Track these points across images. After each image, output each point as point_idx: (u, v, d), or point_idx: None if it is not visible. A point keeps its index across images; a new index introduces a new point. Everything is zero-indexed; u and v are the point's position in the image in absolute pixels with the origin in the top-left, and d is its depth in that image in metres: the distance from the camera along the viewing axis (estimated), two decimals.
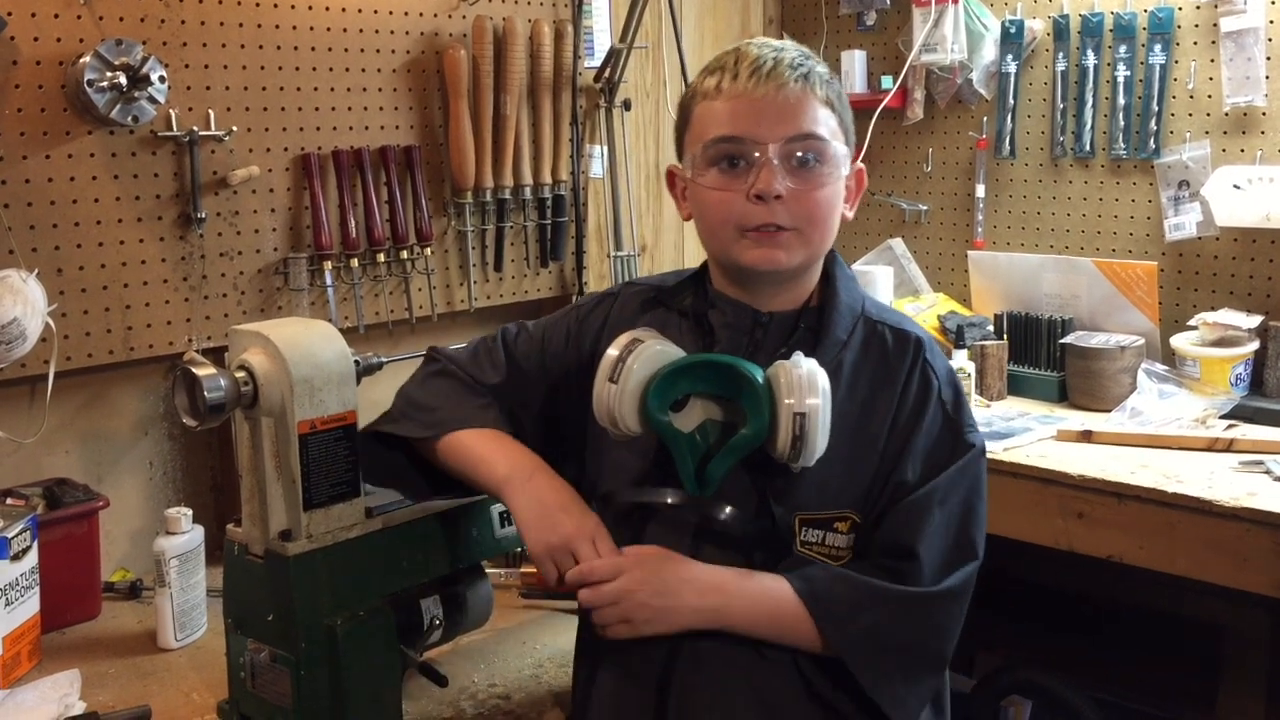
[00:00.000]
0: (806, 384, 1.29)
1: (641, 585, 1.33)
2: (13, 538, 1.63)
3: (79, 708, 1.53)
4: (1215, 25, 2.41)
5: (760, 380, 1.32)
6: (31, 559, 1.68)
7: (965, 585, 1.37)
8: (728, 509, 1.34)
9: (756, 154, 1.34)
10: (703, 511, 1.36)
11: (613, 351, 1.36)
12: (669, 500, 1.36)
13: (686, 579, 1.35)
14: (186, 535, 1.76)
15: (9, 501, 1.78)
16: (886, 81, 2.85)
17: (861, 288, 1.50)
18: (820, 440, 1.30)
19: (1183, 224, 2.50)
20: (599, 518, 1.40)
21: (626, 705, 1.39)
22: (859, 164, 1.45)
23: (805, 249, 1.38)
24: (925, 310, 2.71)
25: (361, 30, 2.25)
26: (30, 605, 1.68)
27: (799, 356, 1.32)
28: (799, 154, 1.35)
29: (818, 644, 1.34)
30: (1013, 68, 2.69)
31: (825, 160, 1.36)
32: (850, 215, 1.45)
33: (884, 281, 2.60)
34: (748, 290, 1.43)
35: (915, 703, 1.37)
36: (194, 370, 1.36)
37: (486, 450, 1.47)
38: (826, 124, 1.37)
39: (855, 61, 2.93)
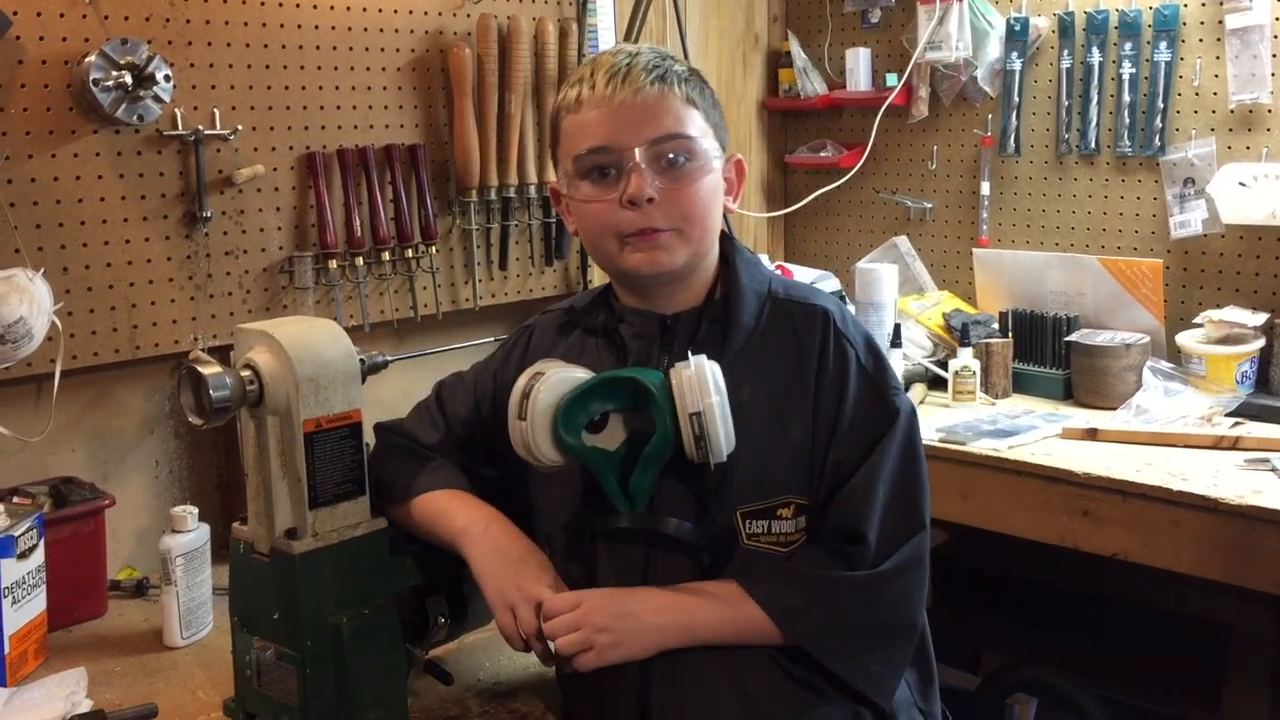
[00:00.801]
0: (697, 384, 1.30)
1: (600, 610, 1.33)
2: (19, 536, 1.63)
3: (85, 706, 1.53)
4: (1221, 22, 2.41)
5: (659, 386, 1.33)
6: (38, 557, 1.68)
7: (915, 557, 1.38)
8: (674, 521, 1.35)
9: (624, 159, 1.35)
10: (651, 528, 1.36)
11: (517, 387, 1.38)
12: (622, 524, 1.37)
13: (643, 599, 1.36)
14: (192, 533, 1.76)
15: (15, 500, 1.78)
16: (891, 79, 2.85)
17: (767, 267, 1.51)
18: (723, 435, 1.30)
19: (1188, 221, 2.49)
20: (552, 566, 1.40)
21: (611, 711, 1.39)
22: (737, 155, 1.46)
23: (687, 247, 1.39)
24: (930, 308, 2.70)
25: (366, 29, 2.25)
26: (37, 603, 1.68)
27: (690, 356, 1.33)
28: (668, 155, 1.37)
29: (781, 640, 1.36)
30: (1018, 65, 2.69)
31: (694, 157, 1.38)
32: (735, 206, 1.47)
33: (888, 279, 2.60)
34: (646, 296, 1.44)
35: (891, 675, 1.39)
36: (199, 369, 1.36)
37: (442, 508, 1.48)
38: (692, 122, 1.38)
39: (860, 59, 2.93)
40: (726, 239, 1.47)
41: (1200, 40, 2.46)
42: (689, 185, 1.37)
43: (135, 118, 1.91)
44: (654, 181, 1.35)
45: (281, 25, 2.13)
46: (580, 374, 1.39)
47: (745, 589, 1.36)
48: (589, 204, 1.39)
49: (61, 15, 1.87)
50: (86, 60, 1.86)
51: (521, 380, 1.39)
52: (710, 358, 1.34)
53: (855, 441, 1.38)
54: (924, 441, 1.46)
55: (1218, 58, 2.43)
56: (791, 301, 1.44)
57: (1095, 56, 2.57)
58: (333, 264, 2.21)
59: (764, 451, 1.37)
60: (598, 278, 2.68)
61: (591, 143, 1.37)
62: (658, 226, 1.36)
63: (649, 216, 1.36)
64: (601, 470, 1.37)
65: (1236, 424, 2.19)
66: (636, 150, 1.35)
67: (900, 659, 1.40)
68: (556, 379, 1.37)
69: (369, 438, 1.52)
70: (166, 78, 1.92)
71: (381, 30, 2.27)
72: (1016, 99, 2.71)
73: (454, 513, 1.46)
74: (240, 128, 2.07)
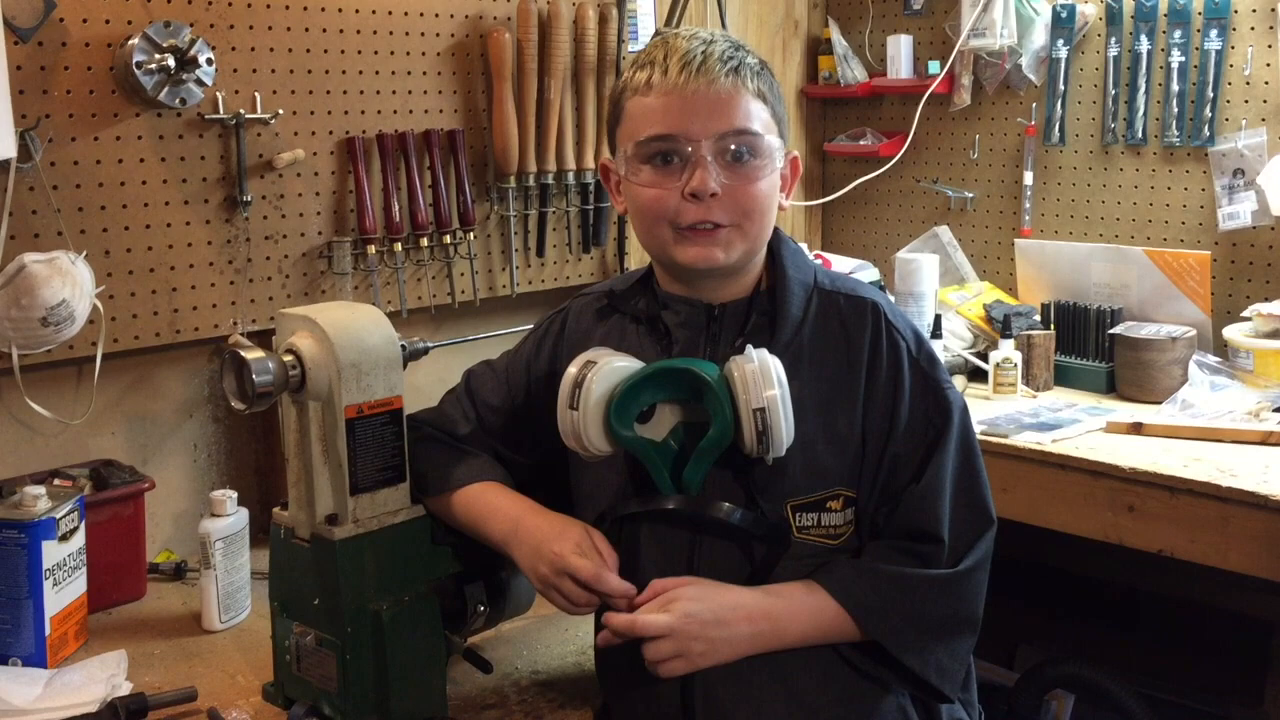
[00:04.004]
0: (760, 377, 1.29)
1: (694, 618, 1.30)
2: (61, 518, 1.64)
3: (125, 688, 1.54)
4: (1273, 10, 2.36)
5: (716, 379, 1.31)
6: (79, 539, 1.69)
7: (987, 554, 1.39)
8: (726, 505, 1.34)
9: (689, 150, 1.33)
10: (705, 513, 1.35)
11: (569, 376, 1.36)
12: (670, 506, 1.35)
13: (735, 605, 1.33)
14: (231, 518, 1.76)
15: (57, 482, 1.79)
16: (934, 66, 2.81)
17: (811, 258, 1.49)
18: (785, 429, 1.29)
19: (1237, 213, 2.45)
20: (588, 526, 1.39)
21: (653, 705, 1.38)
22: (793, 153, 1.44)
23: (744, 244, 1.38)
24: (971, 299, 2.67)
25: (406, 13, 2.24)
26: (78, 585, 1.69)
27: (750, 349, 1.32)
28: (732, 149, 1.35)
29: (858, 637, 1.35)
30: (1063, 53, 2.65)
31: (759, 154, 1.36)
32: (787, 204, 1.45)
33: (929, 269, 2.57)
34: (692, 286, 1.43)
35: (958, 667, 1.39)
36: (243, 354, 1.36)
37: (478, 509, 1.47)
38: (759, 117, 1.36)
39: (902, 46, 2.89)
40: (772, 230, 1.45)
41: (1252, 28, 2.41)
42: (752, 182, 1.36)
43: (177, 101, 1.91)
44: (718, 176, 1.33)
45: (322, 9, 2.12)
46: (631, 363, 1.38)
47: (824, 587, 1.34)
48: (647, 190, 1.37)
49: None
50: (129, 43, 1.86)
51: (572, 369, 1.37)
52: (760, 348, 1.33)
53: (912, 437, 1.38)
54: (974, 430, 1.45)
55: (1270, 46, 2.38)
56: (838, 294, 1.43)
57: (1144, 44, 2.53)
58: (371, 249, 2.20)
59: (813, 444, 1.35)
60: (635, 265, 2.66)
61: (658, 129, 1.35)
62: (717, 221, 1.35)
63: (709, 210, 1.34)
64: (653, 462, 1.35)
65: None
66: (704, 142, 1.33)
67: (966, 651, 1.41)
68: (608, 368, 1.36)
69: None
70: (209, 61, 1.91)
71: (422, 14, 2.26)
72: (1062, 87, 2.67)
73: (491, 513, 1.46)
74: (281, 112, 2.07)
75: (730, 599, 1.33)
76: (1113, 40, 2.58)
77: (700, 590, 1.32)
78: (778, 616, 1.33)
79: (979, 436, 2.10)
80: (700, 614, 1.30)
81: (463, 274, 2.36)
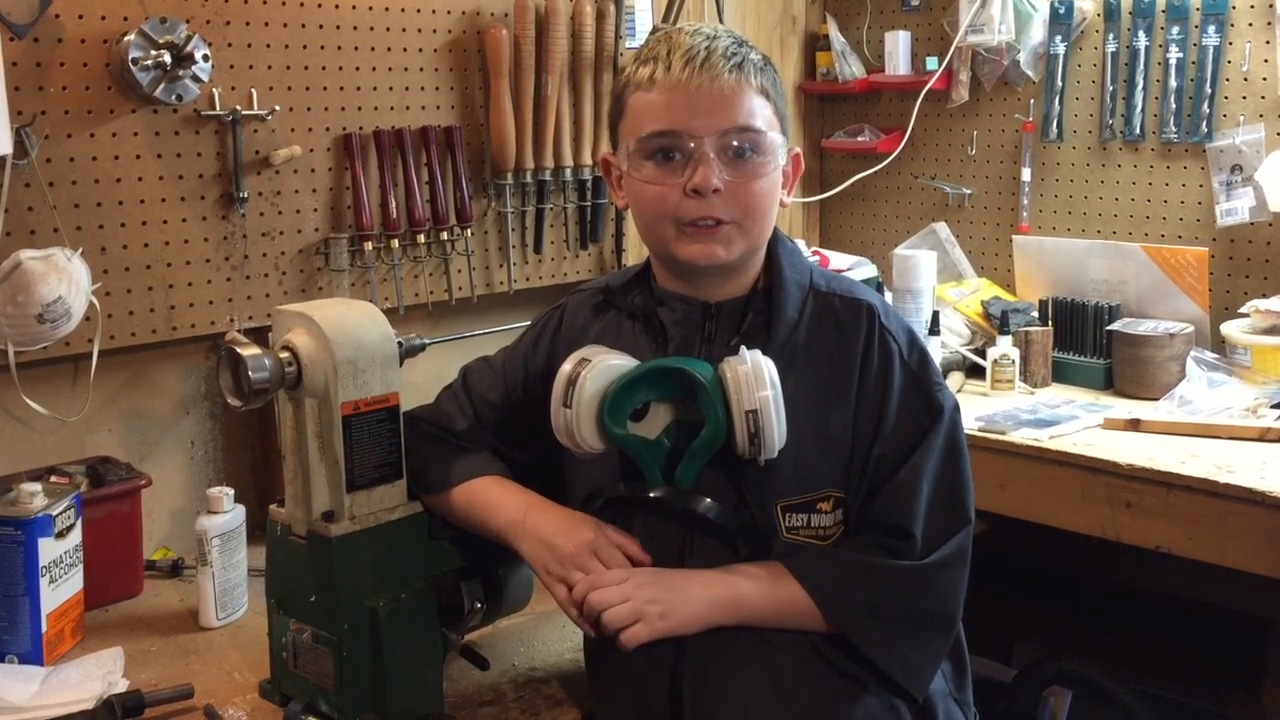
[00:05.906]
0: (754, 379, 1.29)
1: (651, 581, 1.33)
2: (57, 515, 1.63)
3: (122, 686, 1.54)
4: (1271, 6, 2.36)
5: (710, 380, 1.31)
6: (75, 536, 1.68)
7: (960, 551, 1.38)
8: (706, 501, 1.35)
9: (692, 146, 1.33)
10: (684, 505, 1.36)
11: (563, 373, 1.37)
12: (652, 494, 1.36)
13: (692, 574, 1.36)
14: (228, 515, 1.76)
15: (53, 479, 1.79)
16: (931, 63, 2.81)
17: (807, 259, 1.49)
18: (777, 431, 1.30)
19: (1235, 209, 2.45)
20: (599, 522, 1.40)
21: (642, 705, 1.38)
22: (795, 150, 1.44)
23: (744, 241, 1.38)
24: (969, 295, 2.67)
25: (404, 9, 2.24)
26: (74, 582, 1.69)
27: (743, 351, 1.32)
28: (735, 146, 1.34)
29: (823, 624, 1.35)
30: (1061, 49, 2.65)
31: (761, 151, 1.36)
32: (788, 201, 1.45)
33: (927, 266, 2.56)
34: (690, 283, 1.43)
35: (928, 666, 1.38)
36: (239, 350, 1.36)
37: (481, 499, 1.48)
38: (762, 114, 1.36)
39: (899, 42, 2.89)
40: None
41: (1250, 24, 2.41)
42: (754, 179, 1.36)
43: (174, 97, 1.90)
44: (720, 172, 1.33)
45: (319, 5, 2.12)
46: (626, 361, 1.38)
47: (788, 569, 1.36)
48: (650, 185, 1.37)
49: None
50: (125, 39, 1.86)
51: (567, 366, 1.37)
52: (754, 350, 1.33)
53: (898, 438, 1.37)
54: (964, 431, 1.44)
55: (1268, 42, 2.38)
56: (834, 295, 1.43)
57: (1141, 40, 2.53)
58: (368, 246, 2.20)
59: (805, 445, 1.35)
60: (633, 261, 2.66)
61: (660, 125, 1.34)
62: (719, 217, 1.35)
63: (710, 206, 1.34)
64: (645, 460, 1.36)
65: None
66: (706, 139, 1.33)
67: (937, 651, 1.40)
68: (603, 366, 1.36)
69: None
70: (205, 57, 1.91)
71: (419, 10, 2.26)
72: (1060, 83, 2.66)
73: (495, 505, 1.46)
74: (277, 108, 2.07)
75: (688, 571, 1.37)
76: (1111, 36, 2.58)
77: (657, 568, 1.37)
78: (735, 587, 1.35)
79: (976, 433, 2.13)
80: (656, 577, 1.34)
81: (460, 270, 2.36)
